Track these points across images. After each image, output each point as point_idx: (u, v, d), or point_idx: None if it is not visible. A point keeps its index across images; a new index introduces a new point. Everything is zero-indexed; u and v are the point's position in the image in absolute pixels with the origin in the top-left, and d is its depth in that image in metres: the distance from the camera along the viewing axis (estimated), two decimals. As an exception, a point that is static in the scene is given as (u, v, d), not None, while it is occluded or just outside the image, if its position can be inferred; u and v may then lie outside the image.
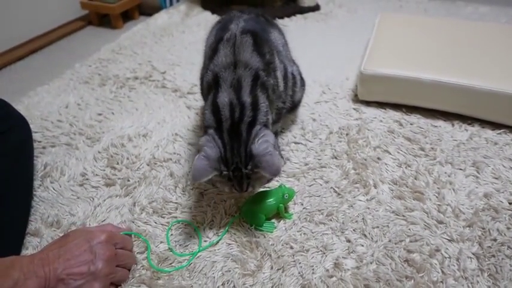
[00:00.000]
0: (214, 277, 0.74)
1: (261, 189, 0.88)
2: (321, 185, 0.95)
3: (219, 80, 0.76)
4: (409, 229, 0.83)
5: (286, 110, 1.00)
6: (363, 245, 0.80)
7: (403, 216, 0.86)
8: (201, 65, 0.92)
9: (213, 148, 0.72)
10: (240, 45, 0.78)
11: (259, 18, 0.94)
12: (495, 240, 0.81)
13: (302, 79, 1.06)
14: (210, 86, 0.78)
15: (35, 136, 1.06)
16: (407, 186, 0.94)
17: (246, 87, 0.75)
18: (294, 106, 1.07)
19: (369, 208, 0.88)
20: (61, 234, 0.82)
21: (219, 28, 0.88)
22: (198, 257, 0.78)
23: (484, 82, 1.09)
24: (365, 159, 1.01)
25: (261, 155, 0.71)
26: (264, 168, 0.71)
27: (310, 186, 0.94)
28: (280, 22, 1.82)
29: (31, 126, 0.95)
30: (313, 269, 0.75)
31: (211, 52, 0.81)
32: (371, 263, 0.77)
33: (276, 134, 0.97)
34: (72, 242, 0.67)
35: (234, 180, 0.74)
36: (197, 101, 1.27)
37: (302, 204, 0.89)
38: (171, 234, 0.83)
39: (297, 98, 1.04)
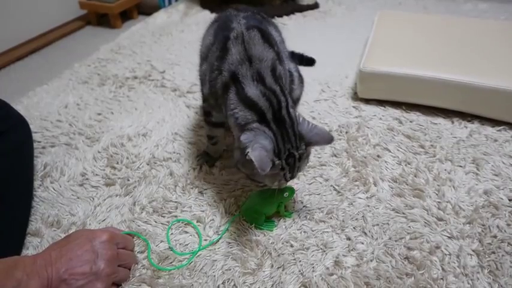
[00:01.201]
0: (214, 276, 0.74)
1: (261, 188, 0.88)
2: (321, 183, 0.95)
3: (238, 77, 0.75)
4: (409, 226, 0.83)
5: None
6: (363, 243, 0.80)
7: (403, 213, 0.86)
8: (201, 66, 0.90)
9: (267, 139, 0.70)
10: (250, 40, 0.78)
11: (256, 15, 0.94)
12: (495, 236, 0.81)
13: (300, 76, 1.05)
14: (226, 86, 0.77)
15: (35, 136, 1.06)
16: (407, 184, 0.94)
17: (268, 77, 0.76)
18: (293, 104, 1.06)
19: (368, 206, 0.88)
20: (61, 234, 0.83)
21: (218, 28, 0.87)
22: (199, 255, 0.78)
23: (484, 79, 1.09)
24: (365, 157, 1.01)
25: (308, 131, 0.73)
26: (318, 141, 0.74)
27: (310, 184, 0.94)
28: (279, 20, 1.82)
29: (30, 126, 0.95)
30: (313, 267, 0.76)
31: (221, 52, 0.79)
32: (371, 260, 0.77)
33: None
34: (74, 241, 0.67)
35: (287, 168, 0.73)
36: (196, 100, 1.27)
37: (302, 203, 0.89)
38: (171, 233, 0.83)
39: (295, 95, 1.04)
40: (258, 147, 0.68)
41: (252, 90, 0.74)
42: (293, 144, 0.72)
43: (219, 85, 0.79)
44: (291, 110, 0.74)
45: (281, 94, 0.74)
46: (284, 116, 0.73)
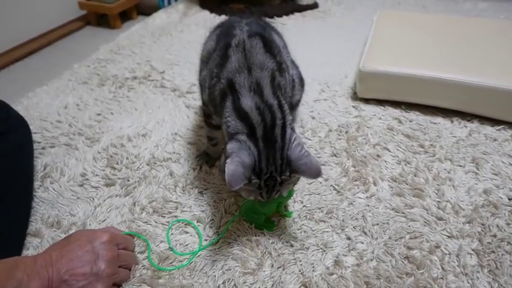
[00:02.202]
0: (215, 276, 0.74)
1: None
2: (321, 183, 0.95)
3: (235, 85, 0.73)
4: (409, 226, 0.83)
5: None
6: (363, 243, 0.80)
7: (403, 213, 0.86)
8: (201, 71, 0.90)
9: (249, 156, 0.68)
10: (251, 48, 0.76)
11: (259, 21, 0.94)
12: (495, 236, 0.81)
13: (301, 80, 1.05)
14: (224, 94, 0.76)
15: (35, 137, 1.06)
16: (406, 183, 0.94)
17: (267, 89, 0.73)
18: (292, 108, 1.06)
19: (368, 205, 0.88)
20: (62, 235, 0.83)
21: (221, 33, 0.86)
22: (199, 256, 0.79)
23: (483, 78, 1.09)
24: (364, 157, 1.02)
25: (298, 158, 0.69)
26: (304, 172, 0.69)
27: (309, 184, 0.94)
28: (278, 20, 1.82)
29: (30, 127, 0.95)
30: (313, 267, 0.76)
31: (221, 59, 0.78)
32: (371, 260, 0.77)
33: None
34: (75, 242, 0.67)
35: (264, 189, 0.70)
36: (196, 100, 1.27)
37: (302, 202, 0.89)
38: (172, 234, 0.83)
39: (295, 99, 1.03)
40: (237, 161, 0.66)
41: (247, 102, 0.71)
42: (277, 168, 0.69)
43: (217, 92, 0.78)
44: (288, 131, 0.71)
45: (278, 110, 0.71)
46: (276, 136, 0.69)
